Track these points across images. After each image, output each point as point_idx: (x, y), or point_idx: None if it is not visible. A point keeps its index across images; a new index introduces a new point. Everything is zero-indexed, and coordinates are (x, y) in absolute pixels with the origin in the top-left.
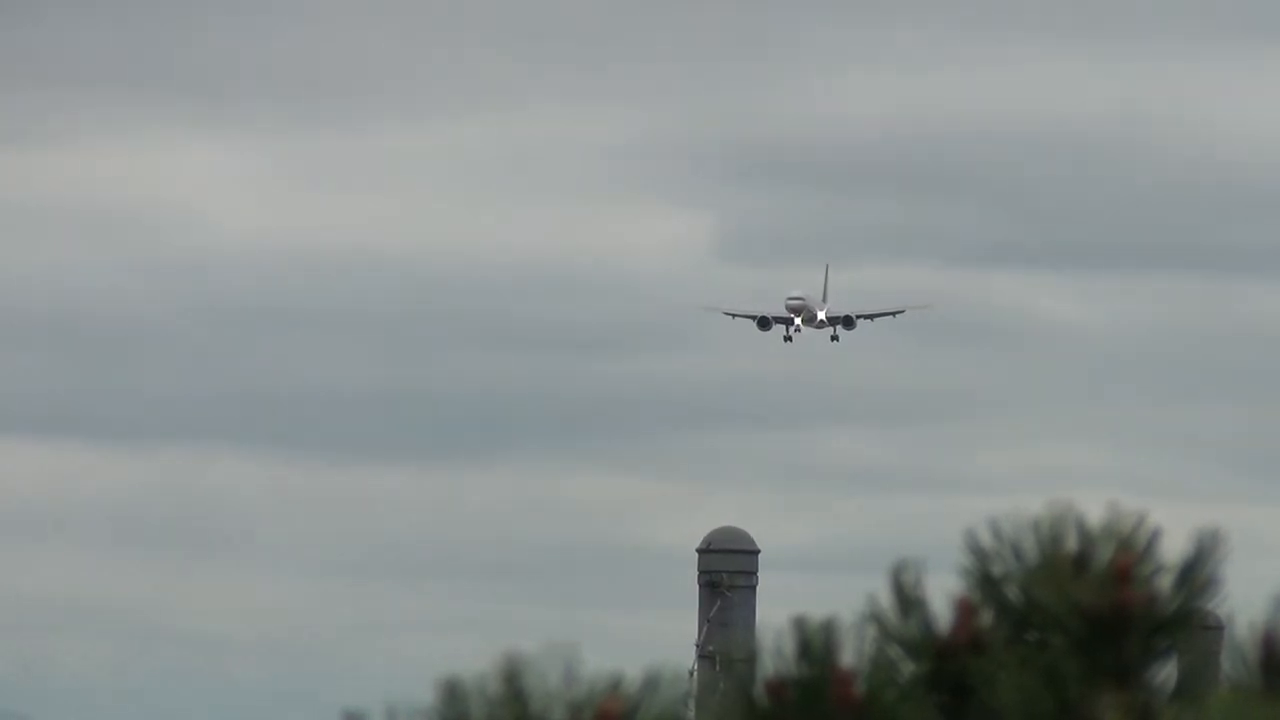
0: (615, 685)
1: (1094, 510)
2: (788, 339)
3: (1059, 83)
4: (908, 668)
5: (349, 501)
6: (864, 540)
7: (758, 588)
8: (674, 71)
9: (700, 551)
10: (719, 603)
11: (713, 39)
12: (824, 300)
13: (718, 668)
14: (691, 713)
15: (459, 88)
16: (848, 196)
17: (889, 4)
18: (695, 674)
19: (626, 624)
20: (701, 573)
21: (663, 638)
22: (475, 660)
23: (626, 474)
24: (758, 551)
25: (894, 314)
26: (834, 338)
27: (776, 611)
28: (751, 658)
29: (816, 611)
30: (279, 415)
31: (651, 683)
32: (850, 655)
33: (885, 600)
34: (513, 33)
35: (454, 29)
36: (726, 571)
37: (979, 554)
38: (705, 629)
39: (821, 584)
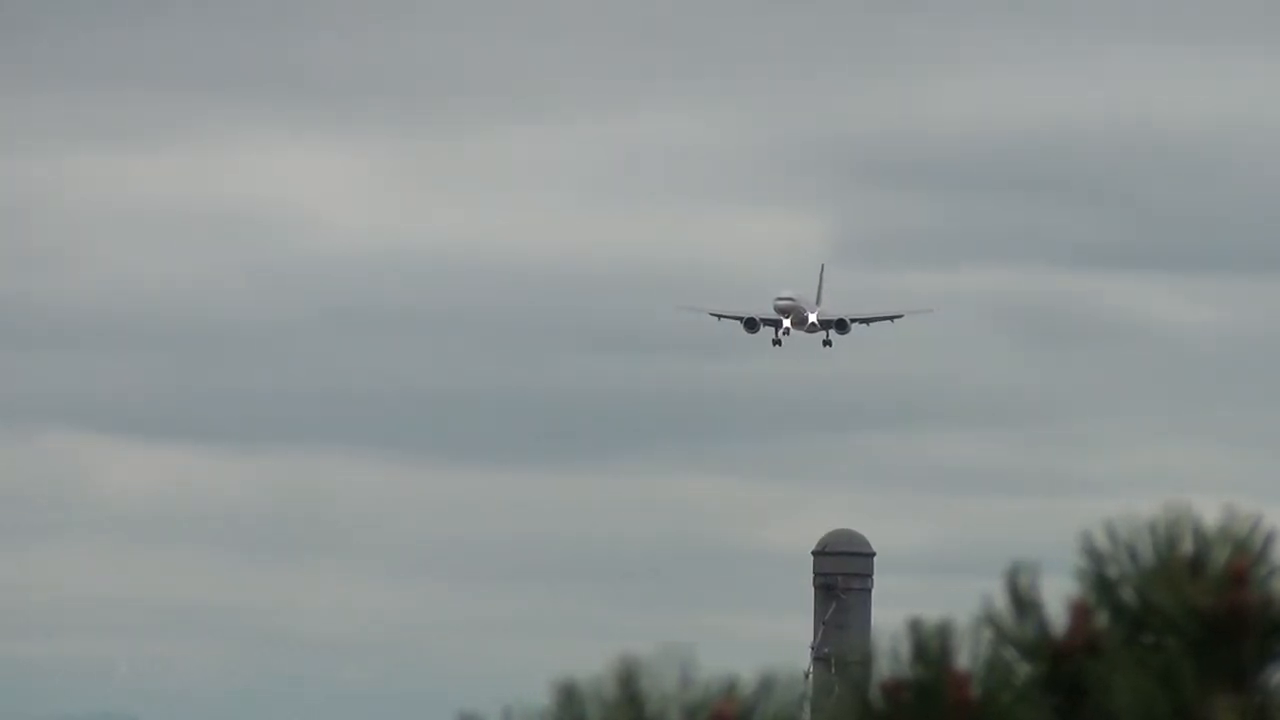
0: (730, 688)
1: (1209, 512)
2: (776, 342)
3: (1175, 88)
4: (1023, 670)
5: (463, 504)
6: (979, 542)
7: (873, 590)
8: (792, 75)
9: (816, 554)
10: (834, 605)
11: (832, 43)
12: (817, 302)
13: (833, 670)
14: (807, 715)
15: (574, 91)
16: (963, 199)
17: (1008, 10)
18: (810, 676)
19: (742, 626)
20: (817, 575)
21: (778, 640)
22: (591, 663)
23: (742, 476)
24: (873, 554)
25: (892, 318)
26: (826, 342)
27: (892, 613)
28: (867, 660)
29: (932, 613)
30: (394, 417)
31: (767, 685)
32: (966, 657)
33: (1000, 602)
34: (629, 36)
35: (567, 32)
36: (842, 574)
37: (1094, 556)
38: (820, 631)
39: (936, 586)
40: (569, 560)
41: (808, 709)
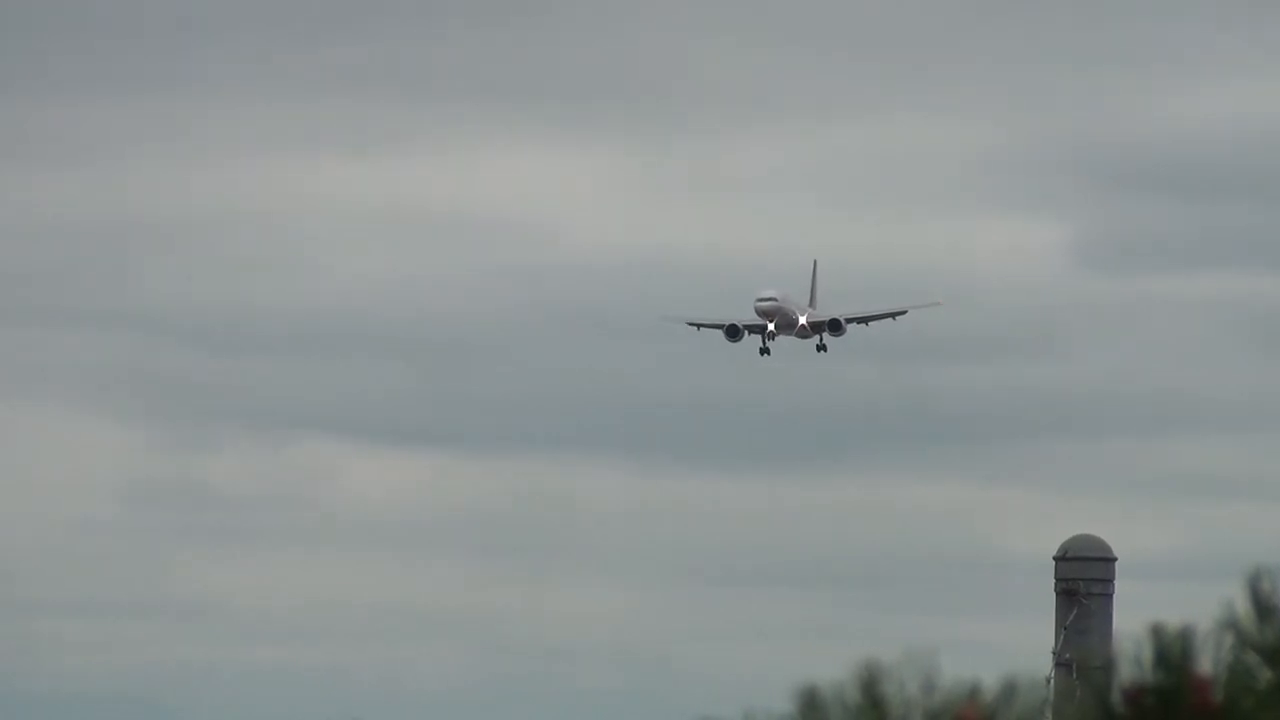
0: (973, 693)
1: None
2: (764, 351)
3: None
4: (1265, 675)
5: (704, 510)
6: (1221, 547)
7: (1114, 595)
8: (1031, 81)
9: (1057, 559)
10: (1076, 610)
11: (1071, 49)
12: (811, 304)
13: (1074, 675)
14: None
15: (814, 97)
16: (1204, 204)
17: (1255, 14)
18: (1052, 682)
19: (983, 631)
20: (1058, 580)
21: (1019, 645)
22: (833, 668)
23: (983, 482)
24: (1115, 559)
25: (894, 315)
26: (820, 347)
27: (1134, 618)
28: (1108, 665)
29: (1174, 618)
30: (631, 423)
31: (1008, 690)
32: (1208, 662)
33: (1242, 607)
34: (871, 42)
35: (809, 38)
36: (1083, 579)
37: None
38: (1062, 636)
39: (1178, 591)
40: (810, 566)
41: (1049, 714)
